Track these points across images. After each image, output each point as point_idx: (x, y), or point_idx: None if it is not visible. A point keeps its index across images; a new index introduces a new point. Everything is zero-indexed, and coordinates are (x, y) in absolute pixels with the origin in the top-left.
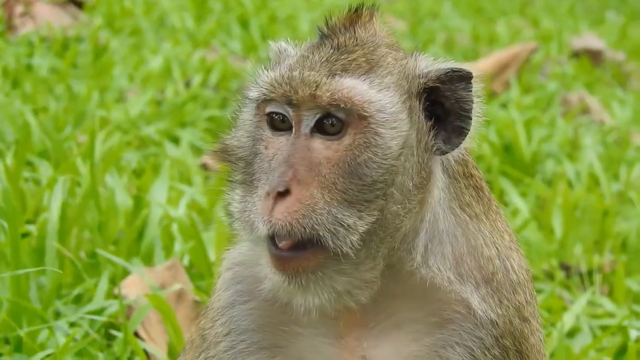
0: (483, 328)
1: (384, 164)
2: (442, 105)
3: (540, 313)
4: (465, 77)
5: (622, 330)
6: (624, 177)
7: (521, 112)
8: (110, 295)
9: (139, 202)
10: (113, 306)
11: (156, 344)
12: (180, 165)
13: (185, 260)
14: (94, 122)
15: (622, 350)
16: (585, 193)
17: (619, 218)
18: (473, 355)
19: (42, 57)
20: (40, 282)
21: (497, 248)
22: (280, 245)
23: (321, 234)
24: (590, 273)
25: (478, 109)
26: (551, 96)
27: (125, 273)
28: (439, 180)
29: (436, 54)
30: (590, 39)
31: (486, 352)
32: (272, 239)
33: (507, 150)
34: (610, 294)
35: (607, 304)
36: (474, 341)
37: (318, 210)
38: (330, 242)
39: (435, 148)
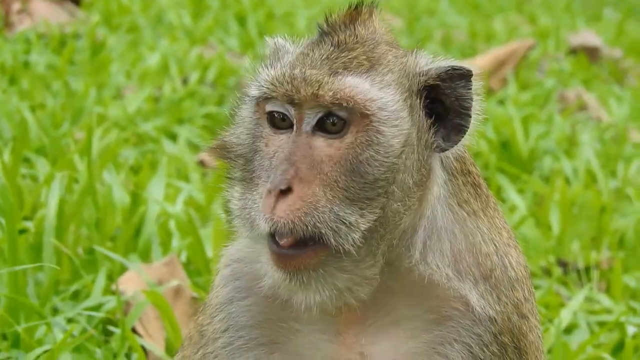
0: (481, 325)
1: (386, 161)
2: (442, 103)
3: (538, 309)
4: (465, 75)
5: (620, 326)
6: (621, 174)
7: (518, 108)
8: (107, 291)
9: (137, 198)
10: (110, 302)
11: (154, 340)
12: (178, 162)
13: (183, 257)
14: (91, 118)
15: (619, 346)
16: (583, 190)
17: (616, 214)
18: (471, 352)
19: (40, 54)
20: (38, 279)
21: (495, 245)
22: (281, 242)
23: (323, 231)
24: (587, 269)
25: (478, 107)
26: (548, 93)
27: (123, 269)
28: (439, 177)
29: (433, 51)
30: (587, 36)
31: (484, 349)
32: (272, 236)
33: (505, 147)
34: (608, 291)
35: (605, 300)
36: (472, 338)
37: (320, 208)
38: (332, 240)
39: (434, 145)
